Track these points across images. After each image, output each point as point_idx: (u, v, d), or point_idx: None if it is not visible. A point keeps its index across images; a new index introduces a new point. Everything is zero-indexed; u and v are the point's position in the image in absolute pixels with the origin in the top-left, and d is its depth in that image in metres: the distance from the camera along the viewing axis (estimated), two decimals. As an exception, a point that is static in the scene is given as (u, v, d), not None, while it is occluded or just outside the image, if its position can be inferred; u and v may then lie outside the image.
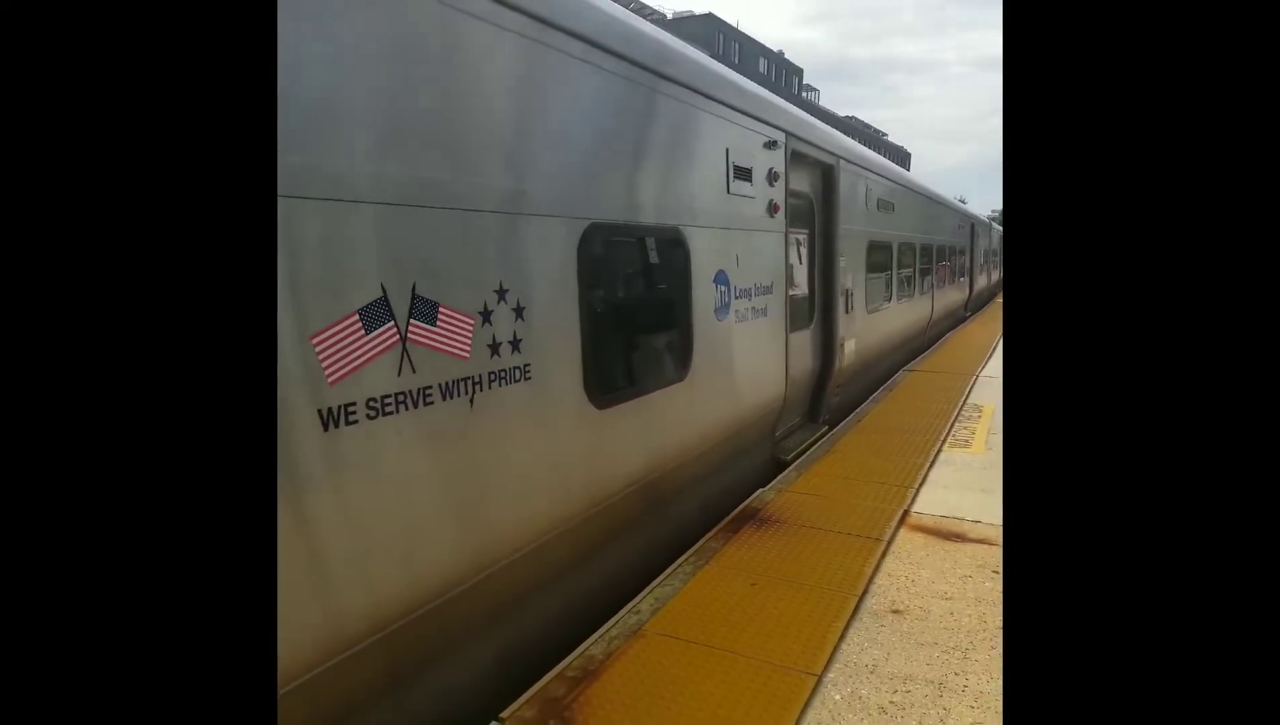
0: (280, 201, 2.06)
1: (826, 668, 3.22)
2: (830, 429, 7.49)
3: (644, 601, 3.78)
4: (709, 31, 53.23)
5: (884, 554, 4.40)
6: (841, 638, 3.47)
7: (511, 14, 2.91)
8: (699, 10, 56.50)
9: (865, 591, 3.93)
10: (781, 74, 67.33)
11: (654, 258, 4.26)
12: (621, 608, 3.78)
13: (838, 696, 3.03)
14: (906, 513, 5.06)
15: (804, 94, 72.80)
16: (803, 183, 6.83)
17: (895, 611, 3.71)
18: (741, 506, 5.20)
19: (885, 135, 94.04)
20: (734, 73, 5.44)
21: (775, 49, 67.11)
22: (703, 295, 4.63)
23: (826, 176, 7.46)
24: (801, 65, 73.43)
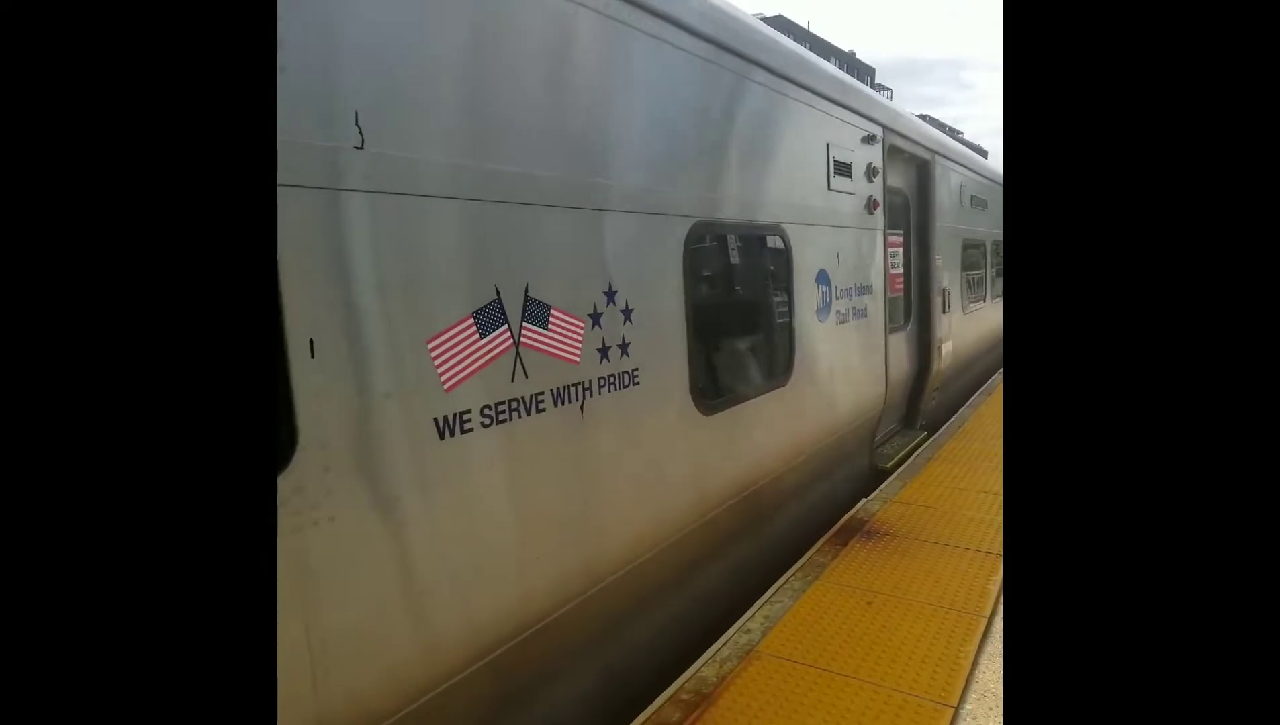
0: (398, 199, 1.97)
1: (963, 698, 2.94)
2: (929, 435, 7.11)
3: (753, 620, 3.57)
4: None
5: (1008, 571, 4.07)
6: (974, 664, 3.18)
7: (637, 12, 2.81)
8: (769, 12, 56.02)
9: (993, 612, 3.62)
10: (853, 74, 65.91)
11: (756, 257, 4.08)
12: (726, 625, 3.59)
13: (979, 731, 2.75)
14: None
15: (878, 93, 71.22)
16: (899, 179, 6.54)
17: (1032, 636, 3.39)
18: (847, 516, 4.93)
19: (961, 132, 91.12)
20: (831, 66, 5.21)
21: (846, 49, 65.93)
22: (804, 295, 4.41)
23: (922, 172, 7.14)
24: (873, 65, 71.96)
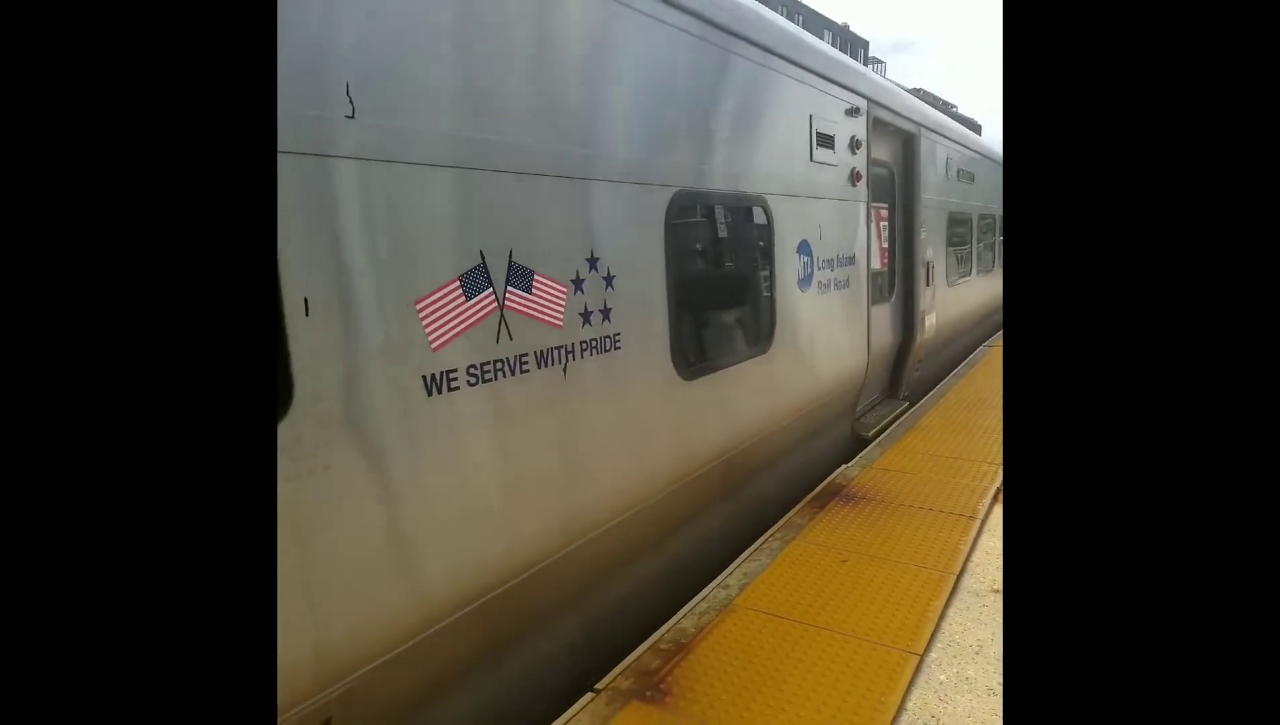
0: (381, 166, 2.06)
1: (928, 648, 3.10)
2: (911, 405, 7.25)
3: (732, 577, 3.72)
4: (770, 6, 52.07)
5: (979, 532, 4.23)
6: (942, 617, 3.33)
7: None
8: (761, -16, 55.18)
9: (963, 570, 3.77)
10: (846, 47, 65.42)
11: (738, 227, 4.16)
12: (706, 583, 3.74)
13: (943, 677, 2.91)
14: (1000, 489, 4.85)
15: (871, 67, 70.66)
16: (884, 151, 6.59)
17: (997, 591, 3.55)
18: (826, 482, 5.08)
19: (955, 106, 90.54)
20: (815, 38, 5.25)
21: (840, 22, 65.28)
22: (785, 265, 4.50)
23: (908, 145, 7.19)
24: (867, 39, 71.26)
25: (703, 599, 3.51)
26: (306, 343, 1.90)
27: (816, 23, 59.37)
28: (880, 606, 3.42)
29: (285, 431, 1.87)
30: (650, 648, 3.11)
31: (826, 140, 5.03)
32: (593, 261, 2.86)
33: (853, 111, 5.49)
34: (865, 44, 70.26)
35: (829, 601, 3.47)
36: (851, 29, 67.52)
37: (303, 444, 1.91)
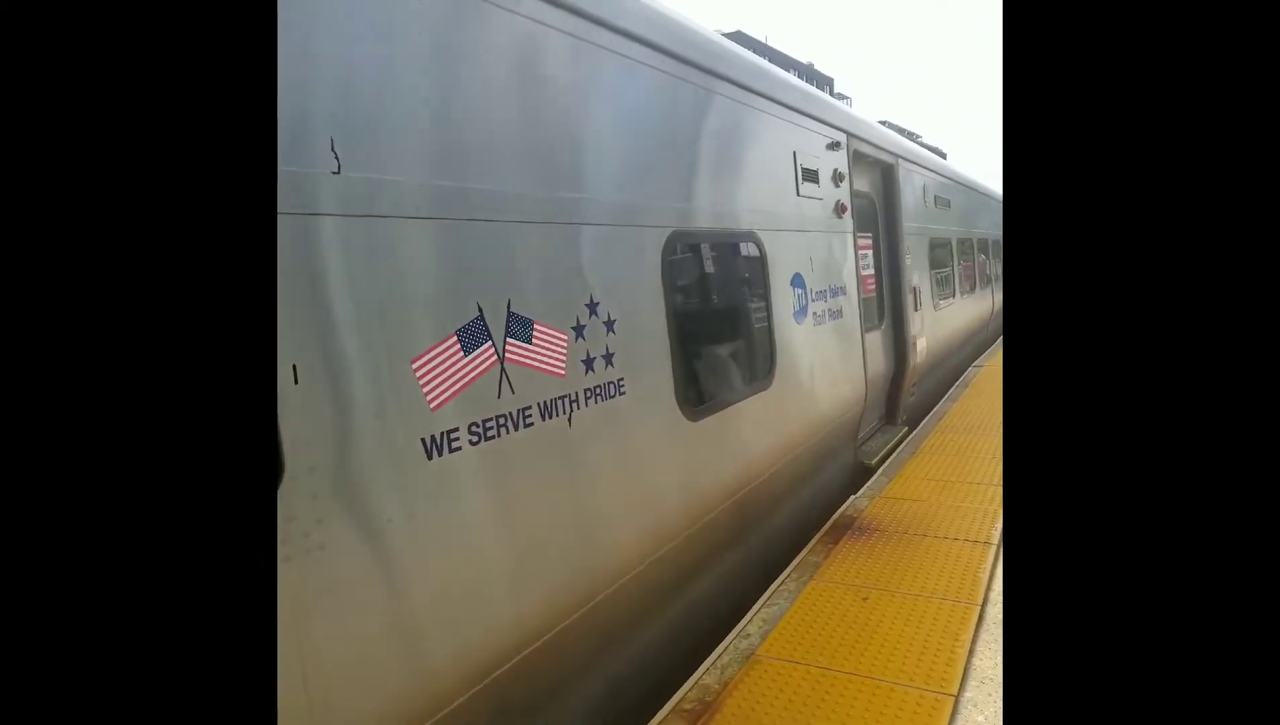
0: (376, 222, 1.98)
1: (962, 686, 2.96)
2: (910, 430, 7.18)
3: (752, 624, 3.58)
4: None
5: (996, 557, 4.12)
6: (971, 652, 3.20)
7: (606, 32, 2.86)
8: (728, 28, 56.85)
9: (985, 599, 3.65)
10: (812, 84, 67.07)
11: (733, 263, 4.13)
12: (726, 631, 3.59)
13: (980, 718, 2.77)
14: (1014, 514, 4.74)
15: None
16: (864, 183, 6.66)
17: (1026, 621, 3.43)
18: (836, 515, 4.96)
19: (919, 136, 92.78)
20: (792, 76, 5.31)
21: (804, 61, 66.92)
22: (781, 299, 4.46)
23: (887, 175, 7.28)
24: (830, 76, 73.15)
25: (724, 651, 3.36)
26: (297, 412, 1.79)
27: (782, 62, 60.89)
28: (908, 646, 3.28)
29: (278, 508, 1.74)
30: (674, 709, 2.95)
31: (811, 174, 5.05)
32: (593, 306, 2.77)
33: (834, 145, 5.53)
34: (830, 81, 72.06)
35: (855, 644, 3.33)
36: (816, 67, 69.26)
37: (297, 521, 1.78)
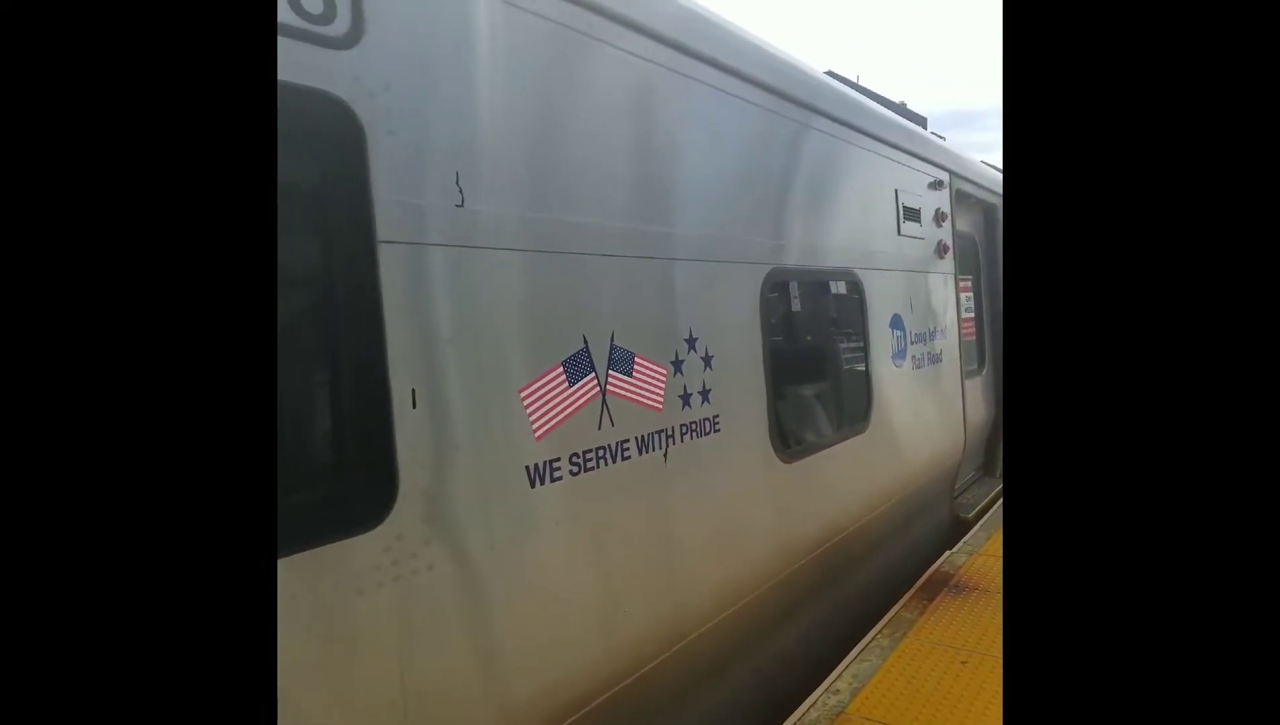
0: (493, 253, 2.03)
1: (1077, 767, 2.72)
2: (1011, 485, 6.80)
3: (841, 679, 3.42)
4: (828, 88, 53.30)
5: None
6: (1086, 730, 2.95)
7: (706, 67, 2.89)
8: (820, 69, 56.82)
9: (1101, 674, 3.37)
10: (905, 123, 66.07)
11: (831, 303, 4.05)
12: (811, 683, 3.44)
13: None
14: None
15: (930, 141, 70.97)
16: (966, 223, 6.45)
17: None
18: (931, 570, 4.72)
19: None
20: (895, 114, 5.23)
21: (897, 100, 66.18)
22: (879, 340, 4.33)
23: (989, 216, 7.04)
24: (924, 115, 72.02)
25: (812, 706, 3.22)
26: (414, 435, 1.83)
27: (874, 101, 60.19)
28: (1014, 717, 3.06)
29: (388, 530, 1.78)
30: (760, 761, 2.84)
31: (913, 213, 4.92)
32: (691, 342, 2.76)
33: (936, 184, 5.39)
34: (924, 120, 70.94)
35: (954, 710, 3.13)
36: (909, 106, 68.36)
37: (406, 541, 1.81)
